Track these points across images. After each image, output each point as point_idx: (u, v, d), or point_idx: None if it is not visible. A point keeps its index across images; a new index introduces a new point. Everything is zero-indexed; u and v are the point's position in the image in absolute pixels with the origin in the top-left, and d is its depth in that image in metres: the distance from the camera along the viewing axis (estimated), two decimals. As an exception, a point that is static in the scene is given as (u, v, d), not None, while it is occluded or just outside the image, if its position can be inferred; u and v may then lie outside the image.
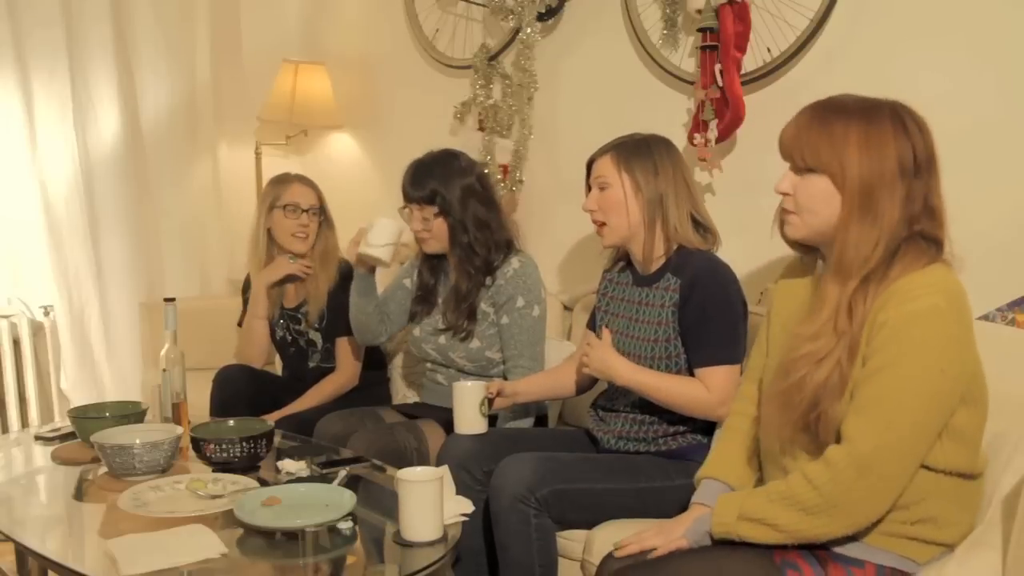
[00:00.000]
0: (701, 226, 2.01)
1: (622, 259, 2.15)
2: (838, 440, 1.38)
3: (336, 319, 2.67)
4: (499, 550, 1.86)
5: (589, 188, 2.06)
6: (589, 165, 2.07)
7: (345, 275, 2.69)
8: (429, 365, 2.45)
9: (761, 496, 1.42)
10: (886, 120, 1.41)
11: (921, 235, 1.40)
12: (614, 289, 2.14)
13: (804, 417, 1.41)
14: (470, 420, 2.06)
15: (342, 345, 2.67)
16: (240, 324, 2.89)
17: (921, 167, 1.41)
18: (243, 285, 2.88)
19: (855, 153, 1.39)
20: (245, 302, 2.84)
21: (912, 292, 1.34)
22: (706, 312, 1.91)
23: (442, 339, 2.37)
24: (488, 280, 2.31)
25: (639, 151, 1.99)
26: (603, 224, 2.02)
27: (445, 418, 2.29)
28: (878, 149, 1.39)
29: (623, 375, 1.92)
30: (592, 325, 2.21)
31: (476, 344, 2.32)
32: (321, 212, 2.73)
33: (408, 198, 2.34)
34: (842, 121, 1.41)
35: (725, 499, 1.48)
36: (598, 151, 2.05)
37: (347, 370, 2.65)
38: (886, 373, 1.34)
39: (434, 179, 2.30)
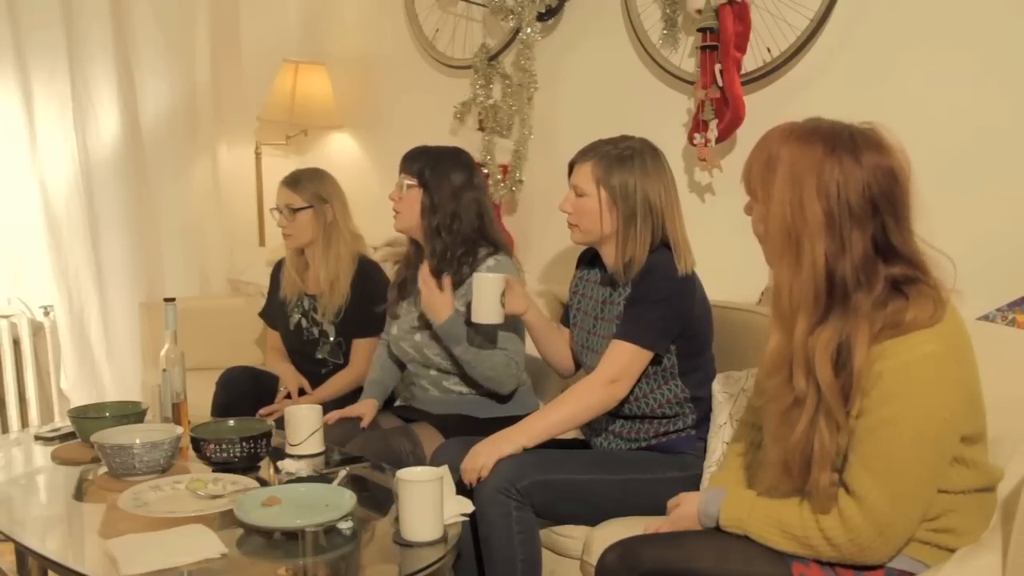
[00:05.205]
0: (677, 244, 1.98)
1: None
2: (839, 475, 1.38)
3: (353, 316, 2.68)
4: (482, 544, 1.86)
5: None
6: (570, 167, 2.06)
7: (363, 272, 2.70)
8: (411, 368, 2.45)
9: (773, 530, 1.41)
10: (813, 171, 1.36)
11: (895, 284, 1.36)
12: (584, 287, 2.17)
13: (803, 479, 1.40)
14: (488, 310, 2.06)
15: (358, 345, 2.69)
16: (261, 315, 2.93)
17: (855, 211, 1.34)
18: (273, 269, 2.91)
19: (777, 197, 1.38)
20: (270, 287, 2.89)
21: (907, 341, 1.32)
22: (640, 296, 1.95)
23: (418, 336, 2.36)
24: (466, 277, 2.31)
25: (622, 165, 1.97)
26: (575, 225, 2.04)
27: (439, 421, 2.31)
28: (800, 202, 1.36)
29: (519, 441, 1.89)
30: (565, 321, 2.25)
31: None
32: (309, 207, 2.68)
33: (400, 168, 2.38)
34: (772, 171, 1.40)
35: (732, 514, 1.47)
36: (580, 154, 2.03)
37: (359, 368, 2.66)
38: (892, 429, 1.32)
39: (428, 158, 2.34)
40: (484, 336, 2.26)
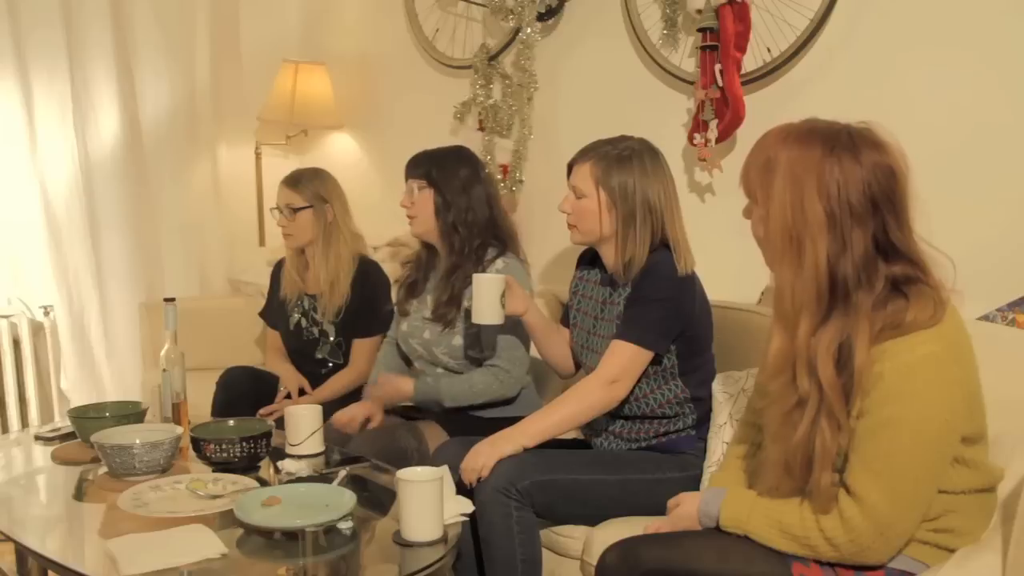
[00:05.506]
0: (677, 245, 1.97)
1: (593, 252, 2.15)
2: (840, 475, 1.38)
3: (353, 317, 2.68)
4: (482, 545, 1.86)
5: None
6: (569, 167, 2.06)
7: (363, 272, 2.70)
8: (418, 365, 2.46)
9: (773, 530, 1.41)
10: (812, 171, 1.36)
11: (896, 284, 1.36)
12: (584, 287, 2.17)
13: (804, 479, 1.41)
14: (488, 311, 2.05)
15: (358, 345, 2.70)
16: (261, 315, 2.93)
17: (856, 210, 1.35)
18: (273, 269, 2.91)
19: (777, 199, 1.38)
20: (270, 287, 2.89)
21: (907, 342, 1.32)
22: (640, 296, 1.95)
23: (427, 333, 2.37)
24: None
25: (621, 166, 1.96)
26: (574, 226, 2.04)
27: (444, 419, 2.31)
28: (800, 206, 1.36)
29: (519, 441, 1.89)
30: (565, 321, 2.25)
31: (458, 341, 2.32)
32: (309, 206, 2.68)
33: (406, 175, 2.39)
34: (771, 174, 1.40)
35: (732, 514, 1.47)
36: (580, 154, 2.03)
37: (359, 368, 2.67)
38: (893, 429, 1.31)
39: (432, 159, 2.36)
40: (477, 347, 2.27)
